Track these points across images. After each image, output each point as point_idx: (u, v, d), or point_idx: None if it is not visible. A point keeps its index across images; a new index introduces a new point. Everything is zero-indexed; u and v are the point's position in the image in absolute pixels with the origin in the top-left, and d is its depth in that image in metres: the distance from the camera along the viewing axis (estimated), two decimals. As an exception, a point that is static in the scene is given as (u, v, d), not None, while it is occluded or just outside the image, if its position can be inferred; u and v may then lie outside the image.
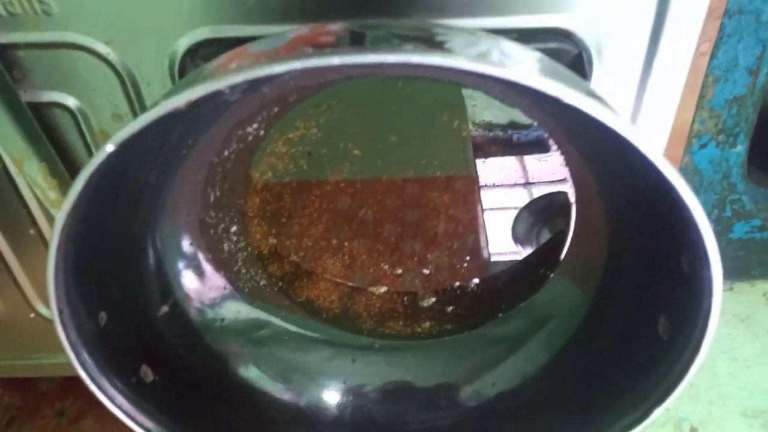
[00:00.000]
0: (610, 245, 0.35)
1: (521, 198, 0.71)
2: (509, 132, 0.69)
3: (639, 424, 0.33)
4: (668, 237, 0.29)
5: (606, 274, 0.35)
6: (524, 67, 0.23)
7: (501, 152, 0.67)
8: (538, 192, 0.75)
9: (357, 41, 0.23)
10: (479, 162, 0.65)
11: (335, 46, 0.23)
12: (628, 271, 0.34)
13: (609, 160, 0.31)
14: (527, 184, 0.85)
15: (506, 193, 0.81)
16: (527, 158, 0.85)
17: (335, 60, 0.21)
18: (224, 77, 0.22)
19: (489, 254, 0.55)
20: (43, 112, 0.39)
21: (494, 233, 0.58)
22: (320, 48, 0.22)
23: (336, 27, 0.25)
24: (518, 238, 0.60)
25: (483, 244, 0.52)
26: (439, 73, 0.24)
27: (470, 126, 0.58)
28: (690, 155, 0.60)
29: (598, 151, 0.31)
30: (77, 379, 0.63)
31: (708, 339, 0.29)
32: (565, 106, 0.22)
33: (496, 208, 0.68)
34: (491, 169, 0.83)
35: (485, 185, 0.80)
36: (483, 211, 0.60)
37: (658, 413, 0.33)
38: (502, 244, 0.58)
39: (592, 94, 0.24)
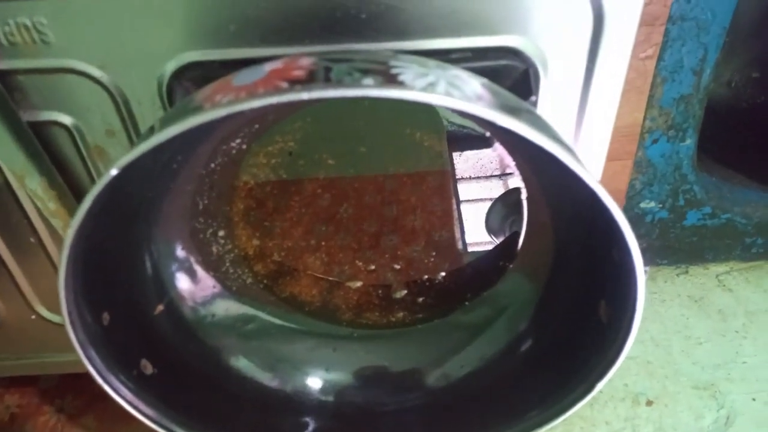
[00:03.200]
0: (555, 240, 0.39)
1: (498, 189, 0.75)
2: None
3: (586, 396, 0.37)
4: (601, 232, 0.33)
5: (553, 265, 0.40)
6: (467, 93, 0.27)
7: (476, 146, 0.71)
8: (515, 183, 0.79)
9: (324, 76, 0.27)
10: (456, 155, 0.68)
11: (305, 80, 0.27)
12: (571, 263, 0.38)
13: (546, 169, 0.35)
14: (503, 175, 0.89)
15: (483, 184, 0.85)
16: (502, 150, 0.89)
17: (305, 95, 0.25)
18: (211, 111, 0.26)
19: (464, 246, 0.59)
20: (42, 130, 0.42)
21: (472, 224, 0.62)
22: (293, 83, 0.26)
23: (306, 62, 0.28)
24: (492, 230, 0.64)
25: (457, 235, 0.56)
26: (396, 101, 0.28)
27: (445, 122, 0.62)
28: (643, 150, 0.65)
29: (537, 161, 0.35)
30: (76, 377, 0.67)
31: (637, 320, 0.33)
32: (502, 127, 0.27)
33: (474, 200, 0.72)
34: (468, 162, 0.87)
35: (462, 178, 0.84)
36: (459, 204, 0.64)
37: (600, 387, 0.37)
38: (479, 235, 0.62)
39: (526, 119, 0.28)
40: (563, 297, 0.40)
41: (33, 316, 0.54)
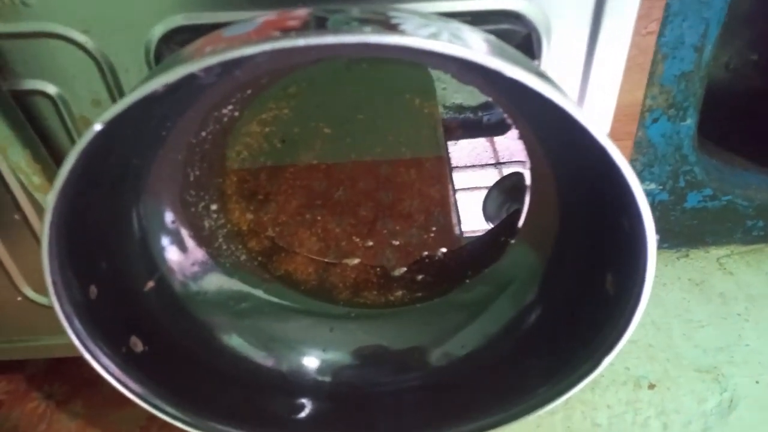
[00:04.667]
0: (561, 211, 0.38)
1: (493, 177, 0.74)
2: (479, 114, 0.72)
3: (592, 373, 0.36)
4: (611, 200, 0.32)
5: (559, 238, 0.39)
6: (472, 45, 0.26)
7: (471, 134, 0.70)
8: (508, 170, 0.78)
9: (320, 25, 0.25)
10: (451, 145, 0.67)
11: (300, 29, 0.25)
12: (577, 234, 0.37)
13: (555, 132, 0.34)
14: (498, 163, 0.89)
15: (478, 173, 0.84)
16: (497, 139, 0.89)
17: (300, 42, 0.24)
18: (199, 60, 0.24)
19: (460, 230, 0.58)
20: (25, 100, 0.41)
21: (469, 212, 0.61)
22: (287, 32, 0.25)
23: (301, 12, 0.27)
24: (489, 216, 0.63)
25: (454, 219, 0.55)
26: (396, 52, 0.27)
27: (441, 109, 0.61)
28: (644, 129, 0.64)
29: (545, 124, 0.34)
30: (64, 362, 0.65)
31: (647, 291, 0.32)
32: (510, 81, 0.25)
33: (470, 188, 0.71)
34: (463, 151, 0.86)
35: (458, 167, 0.83)
36: (455, 189, 0.62)
37: (607, 362, 0.36)
38: (475, 223, 0.61)
39: (534, 70, 0.26)
40: (568, 270, 0.38)
41: (19, 298, 0.53)
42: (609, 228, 0.34)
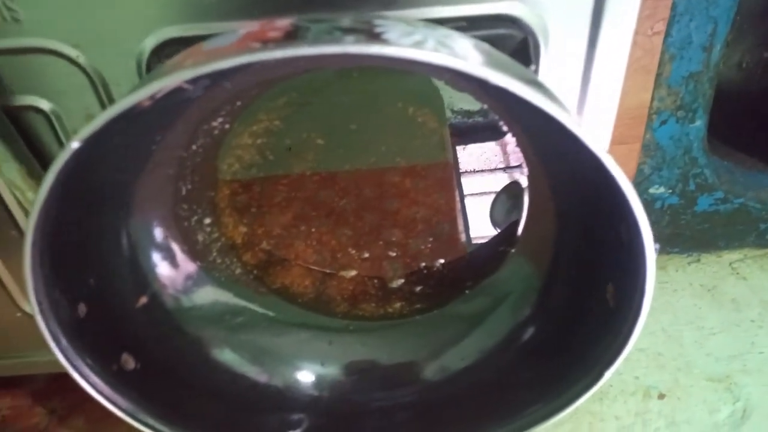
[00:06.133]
0: (558, 221, 0.37)
1: (502, 182, 0.73)
2: (489, 117, 0.71)
3: (593, 387, 0.35)
4: (608, 209, 0.31)
5: (556, 249, 0.37)
6: (458, 53, 0.25)
7: (481, 138, 0.69)
8: (517, 176, 0.76)
9: (301, 35, 0.25)
10: (459, 149, 0.66)
11: (281, 40, 0.24)
12: (576, 244, 0.36)
13: (550, 140, 0.33)
14: (507, 168, 0.87)
15: (487, 178, 0.83)
16: (509, 144, 0.87)
17: (278, 53, 0.23)
18: (176, 73, 0.24)
19: (467, 237, 0.57)
20: (18, 116, 0.41)
21: (476, 217, 0.60)
22: (266, 43, 0.24)
23: (284, 23, 0.26)
24: (496, 222, 0.62)
25: (460, 227, 0.53)
26: (381, 61, 0.26)
27: (449, 113, 0.60)
28: (651, 132, 0.63)
29: (539, 132, 0.33)
30: (66, 377, 0.65)
31: (647, 302, 0.31)
32: (500, 89, 0.24)
33: (478, 194, 0.70)
34: (472, 156, 0.85)
35: (466, 171, 0.82)
36: (463, 195, 0.61)
37: (608, 375, 0.35)
38: (483, 228, 0.60)
39: (523, 77, 0.25)
40: (568, 281, 0.37)
41: (18, 314, 0.53)
42: (607, 238, 0.33)
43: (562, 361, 0.36)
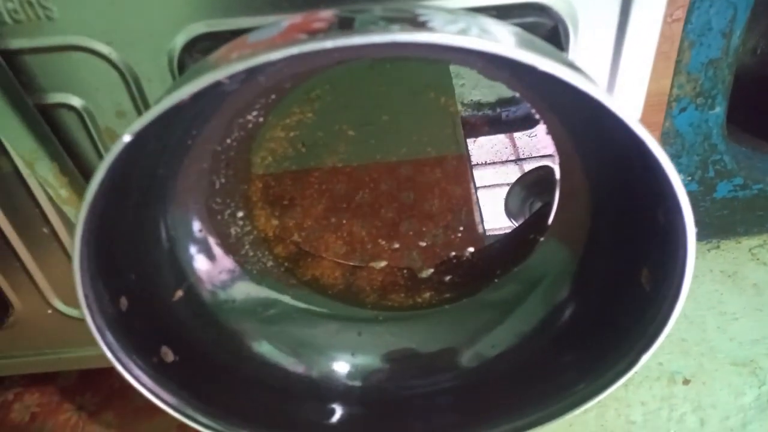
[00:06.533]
0: (593, 205, 0.37)
1: (513, 174, 0.73)
2: (498, 110, 0.71)
3: (629, 371, 0.35)
4: (645, 193, 0.31)
5: (591, 233, 0.38)
6: (501, 40, 0.25)
7: (491, 131, 0.69)
8: (529, 166, 0.77)
9: (346, 25, 0.25)
10: (470, 142, 0.66)
11: (327, 31, 0.25)
12: (611, 227, 0.36)
13: (587, 125, 0.33)
14: (518, 159, 0.87)
15: (498, 170, 0.83)
16: (517, 135, 0.87)
17: (328, 44, 0.23)
18: (226, 67, 0.24)
19: (483, 228, 0.57)
20: (51, 113, 0.41)
21: (489, 210, 0.60)
22: (313, 34, 0.24)
23: (326, 14, 0.27)
24: (511, 213, 0.62)
25: (477, 218, 0.54)
26: (423, 50, 0.27)
27: (459, 106, 0.60)
28: (671, 119, 0.63)
29: (576, 116, 0.33)
30: (95, 374, 0.66)
31: (686, 285, 0.31)
32: (542, 75, 0.24)
33: (490, 186, 0.70)
34: (483, 148, 0.85)
35: (477, 164, 0.82)
36: (476, 187, 0.62)
37: (645, 359, 0.35)
38: (497, 220, 0.60)
39: (566, 62, 0.26)
40: (602, 266, 0.38)
41: (49, 311, 0.53)
42: (643, 221, 0.33)
43: (598, 345, 0.36)
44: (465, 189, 0.53)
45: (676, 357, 0.61)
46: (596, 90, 0.25)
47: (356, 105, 0.44)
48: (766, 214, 0.71)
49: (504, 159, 0.89)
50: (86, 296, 0.31)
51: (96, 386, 0.64)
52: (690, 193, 0.69)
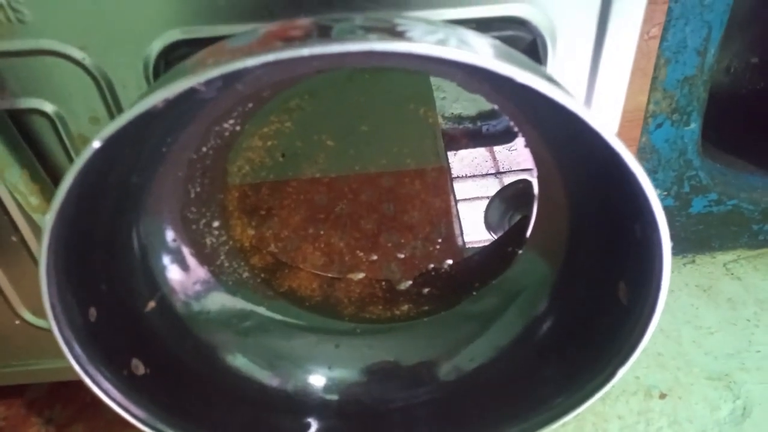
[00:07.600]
0: (571, 218, 0.37)
1: (493, 187, 0.73)
2: (478, 124, 0.71)
3: (607, 384, 0.35)
4: (622, 207, 0.31)
5: (569, 246, 0.38)
6: (480, 51, 0.25)
7: (471, 144, 0.70)
8: (509, 180, 0.77)
9: (324, 34, 0.25)
10: (451, 155, 0.67)
11: (304, 39, 0.24)
12: (588, 241, 0.36)
13: (565, 139, 0.33)
14: (498, 173, 0.88)
15: (478, 183, 0.84)
16: (497, 149, 0.88)
17: (305, 51, 0.23)
18: (201, 73, 0.24)
19: (463, 241, 0.57)
20: (22, 119, 0.40)
21: (469, 222, 0.60)
22: (290, 41, 0.24)
23: (304, 22, 0.26)
24: (491, 225, 0.62)
25: (457, 230, 0.54)
26: (402, 60, 0.26)
27: (440, 119, 0.60)
28: (647, 135, 0.63)
29: (554, 130, 0.33)
30: (65, 386, 0.64)
31: (662, 299, 0.31)
32: (520, 87, 0.24)
33: (470, 198, 0.70)
34: (463, 161, 0.86)
35: (458, 176, 0.83)
36: (456, 200, 0.62)
37: (623, 373, 0.35)
38: (476, 233, 0.60)
39: (544, 75, 0.26)
40: (579, 279, 0.38)
41: (17, 321, 0.52)
42: (620, 236, 0.33)
43: (576, 358, 0.36)
44: (445, 201, 0.53)
45: (653, 371, 0.62)
46: (573, 102, 0.25)
47: (336, 115, 0.44)
48: (741, 230, 0.72)
49: (484, 172, 0.89)
50: (53, 306, 0.30)
51: (67, 399, 0.62)
52: (666, 208, 0.70)
